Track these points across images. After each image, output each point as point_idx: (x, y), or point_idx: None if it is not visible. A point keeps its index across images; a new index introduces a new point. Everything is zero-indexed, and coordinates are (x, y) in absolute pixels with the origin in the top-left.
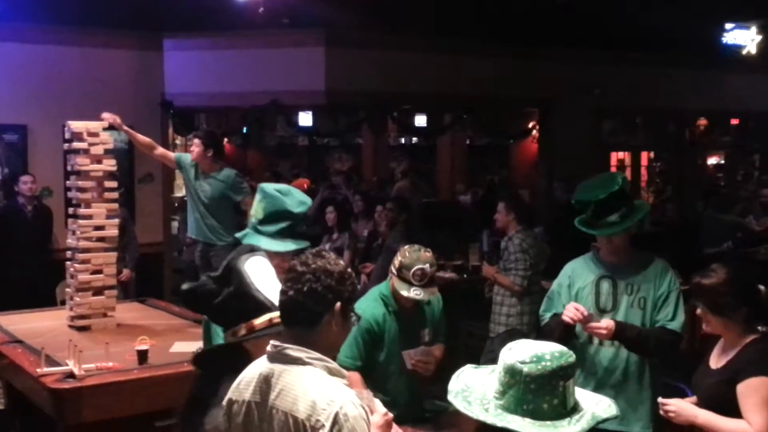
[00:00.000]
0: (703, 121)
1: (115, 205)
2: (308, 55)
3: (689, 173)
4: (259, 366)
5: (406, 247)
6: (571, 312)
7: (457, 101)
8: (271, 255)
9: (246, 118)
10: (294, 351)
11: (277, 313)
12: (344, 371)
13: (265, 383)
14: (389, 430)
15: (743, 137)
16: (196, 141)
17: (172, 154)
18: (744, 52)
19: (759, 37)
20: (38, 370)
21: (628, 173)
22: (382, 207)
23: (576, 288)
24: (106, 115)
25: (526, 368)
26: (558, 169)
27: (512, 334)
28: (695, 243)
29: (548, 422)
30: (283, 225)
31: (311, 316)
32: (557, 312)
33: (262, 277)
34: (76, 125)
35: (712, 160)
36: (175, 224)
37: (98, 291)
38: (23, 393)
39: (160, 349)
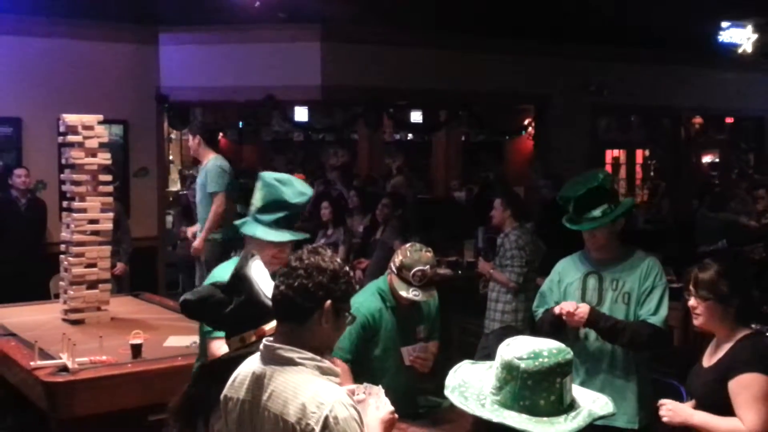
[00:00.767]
0: (698, 120)
1: (110, 199)
2: (304, 50)
3: (684, 171)
4: (252, 365)
5: (407, 246)
6: (566, 306)
7: (452, 98)
8: (267, 245)
9: (241, 113)
10: (286, 351)
11: None
12: (337, 370)
13: (257, 384)
14: (392, 428)
15: (738, 136)
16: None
17: None
18: (739, 50)
19: (755, 36)
20: (31, 363)
21: (622, 171)
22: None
23: (564, 284)
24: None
25: (523, 364)
26: (553, 167)
27: (507, 331)
28: (689, 241)
29: (545, 418)
30: (280, 215)
31: (301, 312)
32: (549, 307)
33: (268, 282)
34: (70, 118)
35: (706, 159)
36: (169, 218)
37: (92, 285)
38: (16, 386)
39: (154, 343)
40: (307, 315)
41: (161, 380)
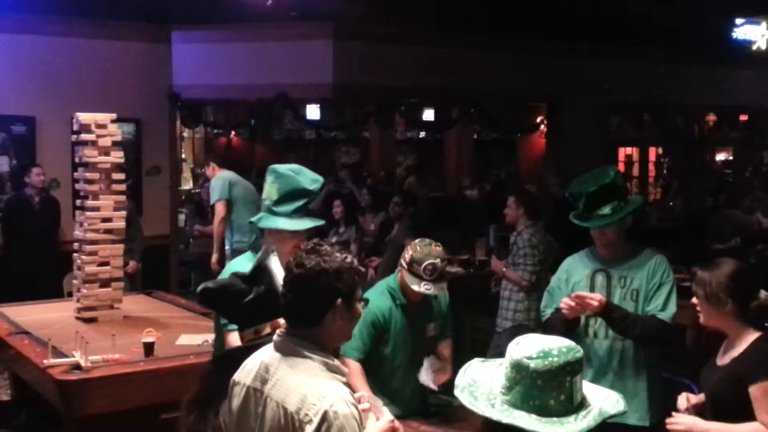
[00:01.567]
0: (711, 117)
1: (123, 197)
2: (316, 48)
3: (697, 169)
4: (263, 353)
5: (417, 241)
6: (566, 306)
7: (464, 96)
8: (288, 237)
9: (253, 111)
10: (297, 344)
11: None
12: (345, 369)
13: (265, 371)
14: None
15: (752, 133)
16: None
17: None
18: (754, 47)
19: None
20: (45, 361)
21: (635, 169)
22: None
23: (572, 282)
24: None
25: (532, 364)
26: (565, 165)
27: (519, 329)
28: (703, 239)
29: (555, 418)
30: (299, 203)
31: (313, 316)
32: (558, 307)
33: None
34: (84, 117)
35: (720, 156)
36: (182, 217)
37: (105, 283)
38: (30, 384)
39: (167, 341)
40: (319, 318)
41: (174, 378)
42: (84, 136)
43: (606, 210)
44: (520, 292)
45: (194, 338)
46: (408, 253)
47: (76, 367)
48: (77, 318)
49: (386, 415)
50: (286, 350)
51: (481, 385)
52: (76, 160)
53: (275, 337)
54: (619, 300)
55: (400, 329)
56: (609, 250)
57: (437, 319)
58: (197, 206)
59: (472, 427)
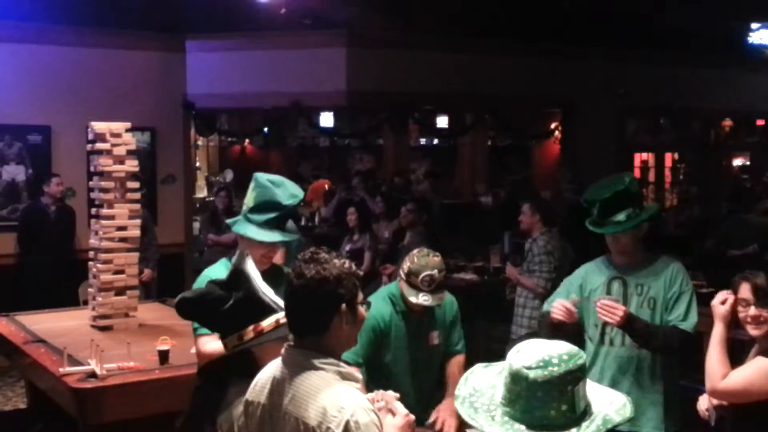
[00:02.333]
0: (728, 122)
1: (138, 206)
2: (329, 55)
3: (714, 174)
4: (273, 369)
5: (415, 251)
6: (558, 311)
7: (478, 102)
8: (257, 245)
9: (267, 119)
10: (306, 356)
11: (282, 314)
12: (358, 375)
13: (279, 387)
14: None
15: None
16: None
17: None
18: None
19: None
20: (60, 369)
21: (651, 174)
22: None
23: (588, 289)
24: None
25: (531, 374)
26: (580, 171)
27: (534, 337)
28: (720, 245)
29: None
30: (271, 215)
31: (319, 325)
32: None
33: (261, 280)
34: (99, 126)
35: (737, 161)
36: (196, 225)
37: (120, 291)
38: (45, 392)
39: (182, 349)
40: (326, 325)
41: (188, 386)
42: (99, 145)
43: (621, 217)
44: (535, 299)
45: None
46: (406, 264)
47: (92, 375)
48: (92, 326)
49: (401, 410)
50: (296, 363)
51: (482, 393)
52: (92, 169)
53: (283, 351)
54: (636, 308)
55: (401, 336)
56: (625, 258)
57: (442, 327)
58: (212, 214)
59: None
